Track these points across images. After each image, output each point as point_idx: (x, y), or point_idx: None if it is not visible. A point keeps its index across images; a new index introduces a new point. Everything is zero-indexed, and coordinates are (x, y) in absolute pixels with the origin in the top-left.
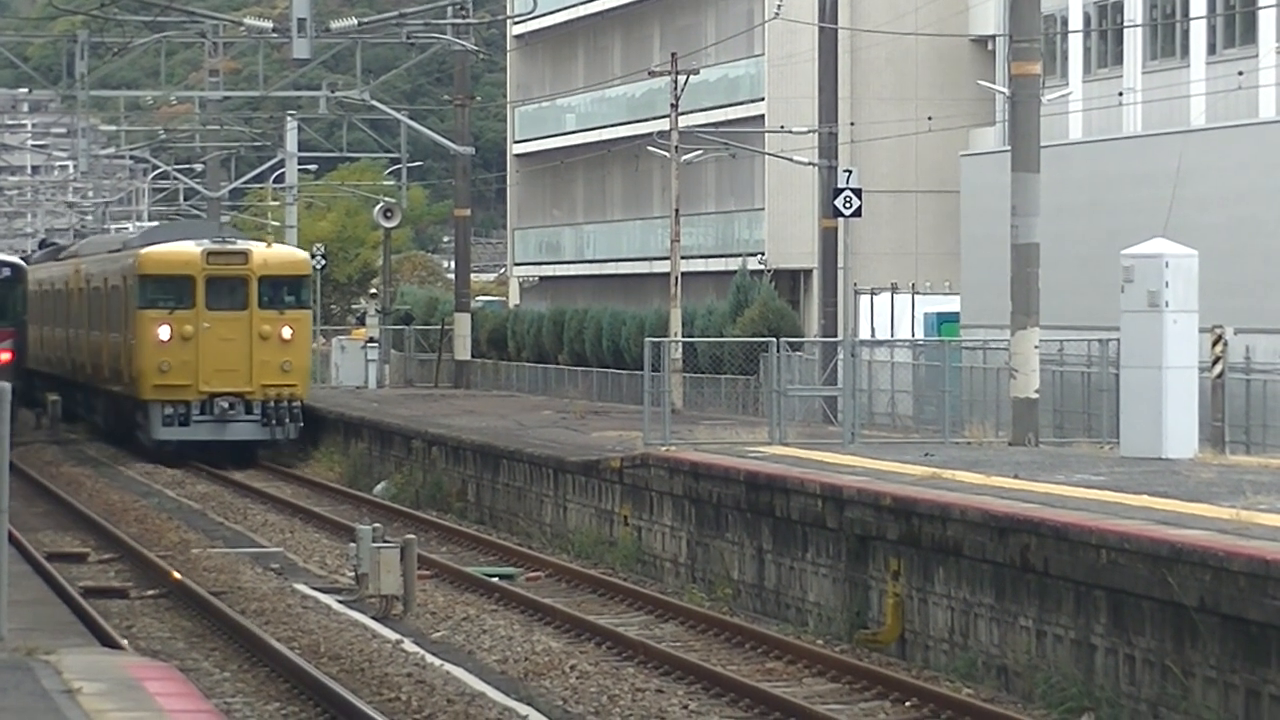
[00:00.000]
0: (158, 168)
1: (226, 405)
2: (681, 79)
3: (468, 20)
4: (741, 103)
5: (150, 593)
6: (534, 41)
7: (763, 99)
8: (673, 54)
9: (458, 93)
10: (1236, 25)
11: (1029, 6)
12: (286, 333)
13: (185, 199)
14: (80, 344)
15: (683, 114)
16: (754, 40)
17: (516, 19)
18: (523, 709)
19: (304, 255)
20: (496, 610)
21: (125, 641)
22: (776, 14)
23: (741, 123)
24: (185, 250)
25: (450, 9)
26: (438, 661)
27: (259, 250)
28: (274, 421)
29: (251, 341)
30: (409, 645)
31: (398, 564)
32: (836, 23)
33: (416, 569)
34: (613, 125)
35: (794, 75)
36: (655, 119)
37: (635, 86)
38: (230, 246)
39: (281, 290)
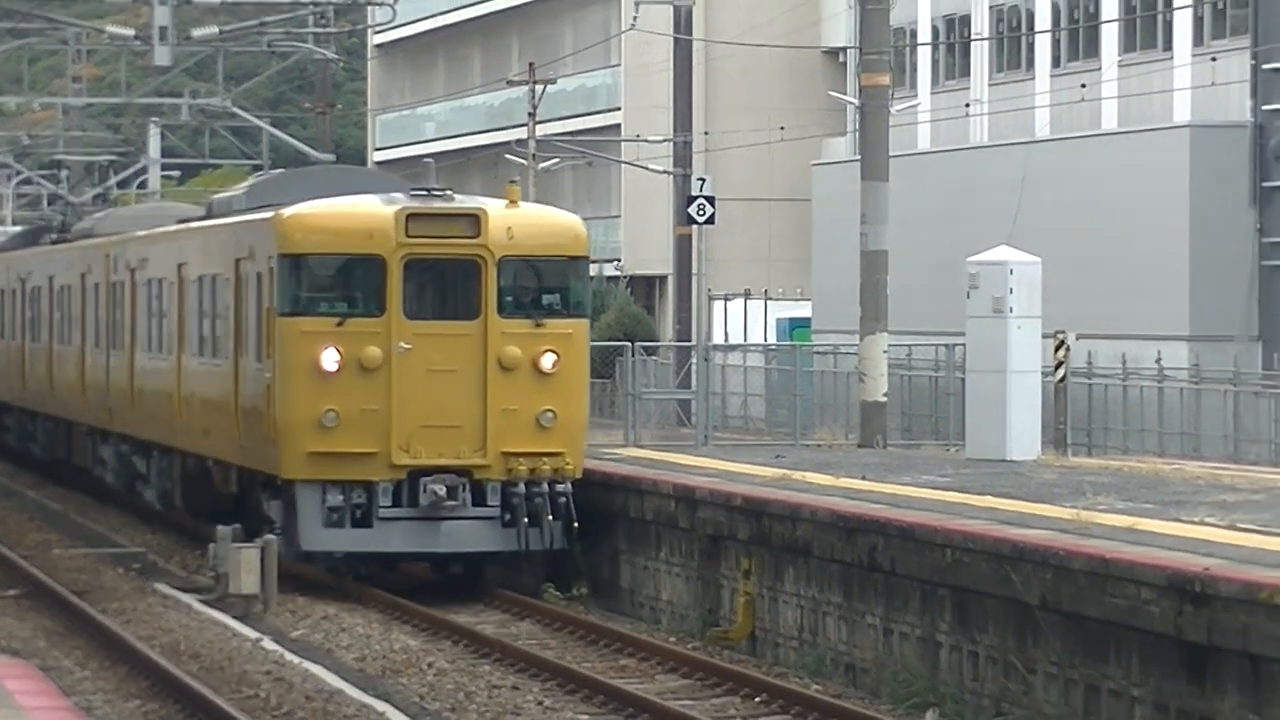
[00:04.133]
0: (20, 173)
1: (441, 491)
2: (539, 88)
3: (328, 29)
4: (598, 112)
5: (11, 593)
6: (394, 51)
7: (619, 108)
8: (530, 64)
9: (319, 100)
10: (1080, 39)
11: (878, 20)
12: (548, 361)
13: (49, 204)
14: (106, 373)
15: (540, 123)
16: (610, 51)
17: (377, 28)
18: (380, 705)
19: (575, 222)
20: (355, 609)
21: None
22: (632, 25)
23: (598, 131)
24: (369, 210)
25: (311, 18)
26: (296, 659)
27: (499, 211)
28: (524, 519)
29: (486, 376)
30: (268, 643)
31: (258, 564)
32: (691, 34)
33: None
34: (472, 134)
35: (650, 85)
36: (513, 127)
37: (494, 96)
38: (449, 205)
39: (540, 283)
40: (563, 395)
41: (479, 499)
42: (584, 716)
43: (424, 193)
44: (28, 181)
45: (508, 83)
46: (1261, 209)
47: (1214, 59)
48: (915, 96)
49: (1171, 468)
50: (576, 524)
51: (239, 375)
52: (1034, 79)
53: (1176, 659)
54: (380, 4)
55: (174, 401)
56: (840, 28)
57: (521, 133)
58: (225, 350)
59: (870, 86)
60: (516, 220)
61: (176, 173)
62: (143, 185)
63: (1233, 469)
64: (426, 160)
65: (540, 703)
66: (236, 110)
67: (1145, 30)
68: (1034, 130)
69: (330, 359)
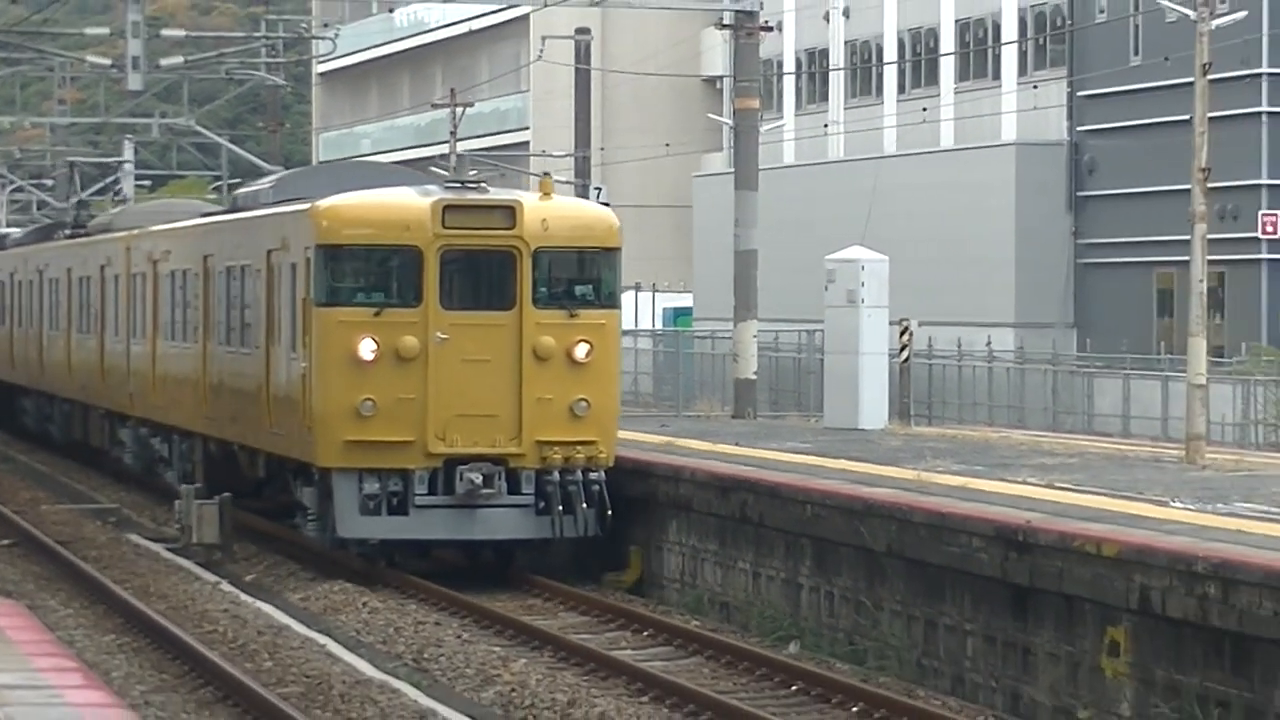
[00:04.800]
0: (14, 182)
1: (477, 479)
2: (459, 111)
3: (278, 60)
4: (510, 131)
5: (4, 543)
6: (335, 78)
7: (528, 128)
8: (452, 90)
9: (270, 120)
10: (922, 69)
11: (749, 53)
12: (581, 350)
13: (38, 209)
14: (126, 359)
15: (460, 140)
16: (520, 78)
17: (320, 59)
18: (321, 639)
19: (608, 214)
20: (302, 558)
21: None
22: (539, 56)
23: (510, 148)
24: (405, 201)
25: (263, 50)
26: (250, 599)
27: (533, 204)
28: (558, 506)
29: (521, 366)
30: (226, 586)
31: (217, 517)
32: (589, 64)
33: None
34: (401, 149)
35: (554, 108)
36: (437, 144)
37: (420, 117)
38: (484, 197)
39: (574, 274)
40: (596, 384)
41: (514, 487)
42: (496, 647)
43: (458, 185)
44: (19, 190)
45: (432, 106)
46: (1076, 215)
47: (1036, 86)
48: (781, 118)
49: (999, 435)
50: (610, 512)
51: (270, 364)
52: (883, 103)
53: (1002, 598)
54: (322, 38)
55: (199, 388)
56: (717, 59)
57: (444, 149)
58: (256, 339)
59: (742, 110)
60: (551, 212)
61: (148, 182)
62: (119, 193)
63: (1051, 437)
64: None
65: (459, 636)
66: (199, 129)
67: (977, 62)
68: (883, 147)
69: (367, 349)
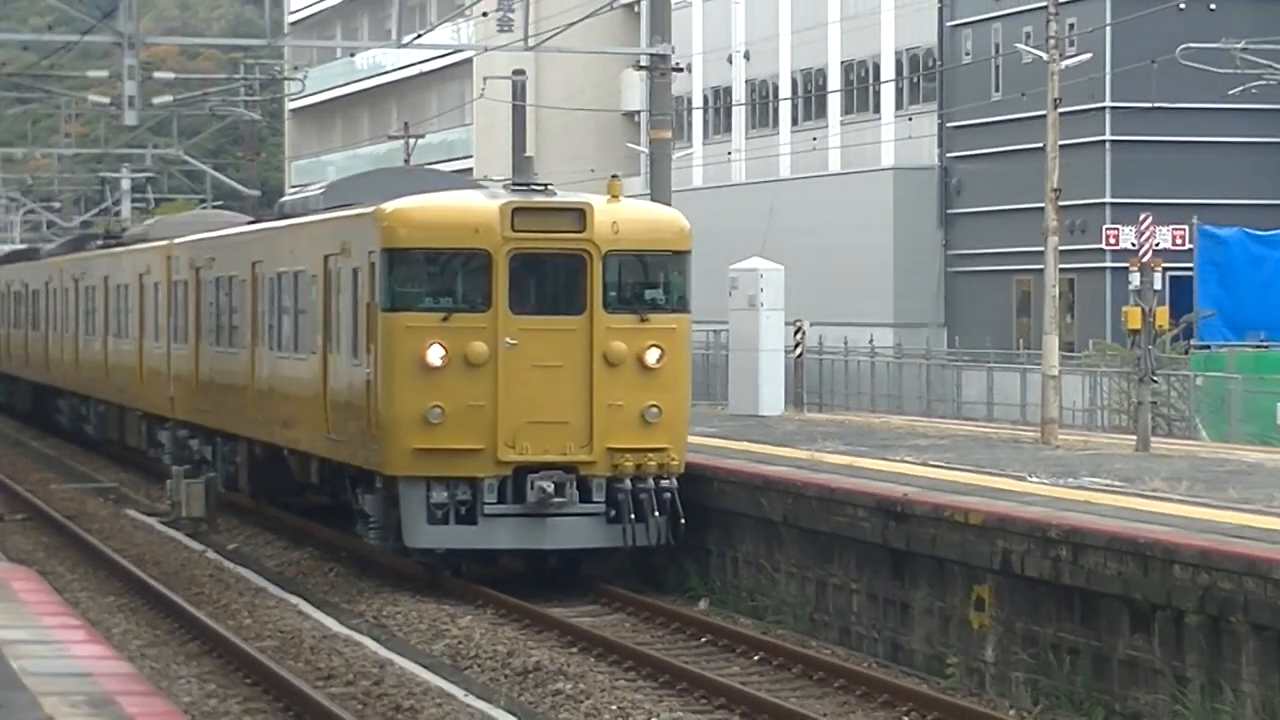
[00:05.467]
0: (26, 205)
1: (549, 488)
2: (412, 142)
3: (255, 98)
4: (457, 159)
5: (19, 517)
6: (304, 114)
7: (471, 156)
8: (405, 123)
9: (248, 151)
10: (812, 104)
11: (663, 90)
12: (652, 355)
13: (47, 227)
14: (166, 363)
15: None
16: (465, 113)
17: (291, 97)
18: (294, 599)
19: (678, 217)
20: (278, 528)
21: None
22: (481, 94)
23: (456, 175)
24: (474, 204)
25: (242, 89)
26: (232, 565)
27: (603, 207)
28: (629, 515)
29: (592, 371)
30: (211, 554)
31: (203, 494)
32: (525, 101)
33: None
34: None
35: (494, 139)
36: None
37: (379, 147)
38: (554, 200)
39: (645, 277)
40: (667, 390)
41: (584, 495)
42: (446, 606)
43: (525, 188)
44: (31, 211)
45: (389, 137)
46: (945, 230)
47: (910, 119)
48: (691, 147)
49: (880, 421)
50: (684, 520)
51: (328, 369)
52: (778, 134)
53: (883, 561)
54: (293, 79)
55: (246, 393)
56: (635, 96)
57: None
58: (311, 345)
59: (657, 140)
60: (620, 215)
61: (144, 204)
62: (117, 214)
63: (925, 421)
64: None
65: (413, 596)
66: (187, 158)
67: (860, 98)
68: (779, 172)
69: (436, 354)
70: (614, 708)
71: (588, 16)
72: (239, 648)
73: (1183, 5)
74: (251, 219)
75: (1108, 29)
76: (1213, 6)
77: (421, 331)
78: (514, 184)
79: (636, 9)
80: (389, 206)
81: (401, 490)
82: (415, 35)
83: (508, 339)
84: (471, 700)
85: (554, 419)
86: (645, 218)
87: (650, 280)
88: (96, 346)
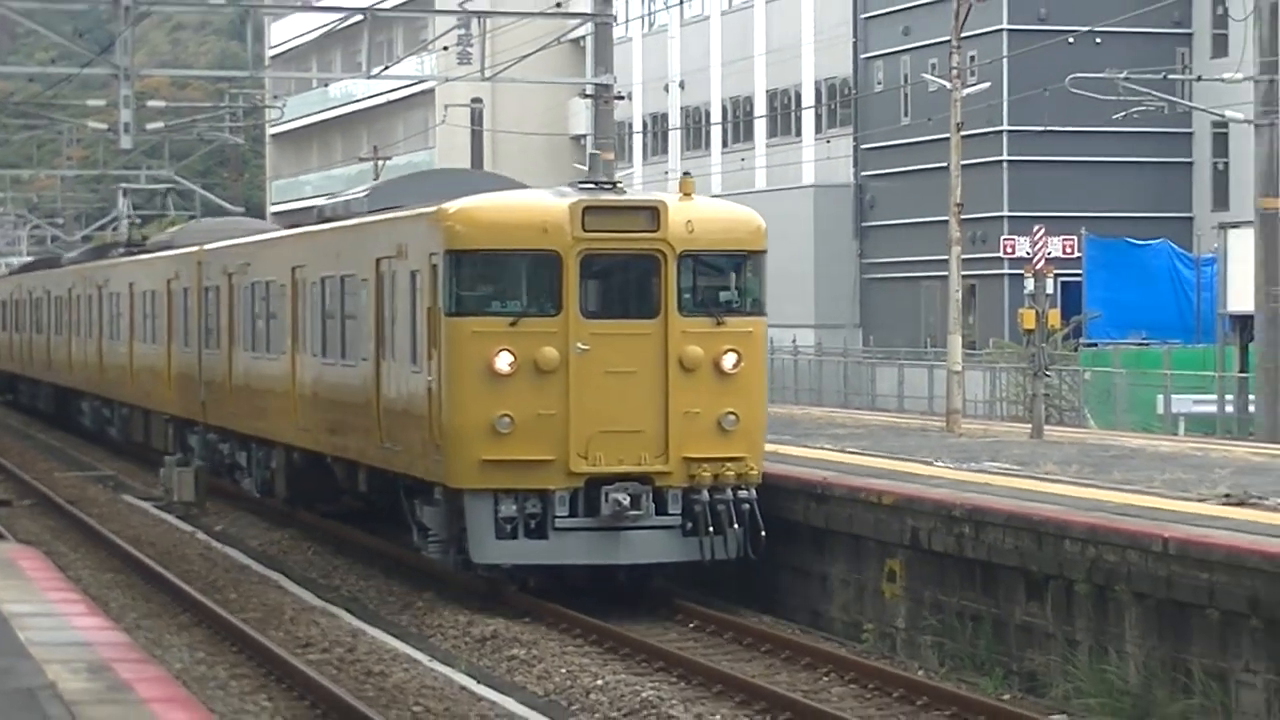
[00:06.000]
0: (32, 221)
1: (624, 500)
2: (381, 163)
3: (239, 124)
4: None
5: (26, 502)
6: (284, 138)
7: None
8: (375, 147)
9: (233, 172)
10: (740, 129)
11: (606, 116)
12: (729, 360)
13: (51, 241)
14: (198, 369)
15: None
16: (429, 137)
17: (272, 123)
18: (275, 575)
19: (753, 215)
20: (259, 513)
21: (7, 534)
22: (443, 120)
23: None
24: (542, 203)
25: (227, 116)
26: (219, 545)
27: (677, 205)
28: (706, 527)
29: (667, 377)
30: (200, 535)
31: (193, 480)
32: (482, 126)
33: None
34: (336, 195)
35: (455, 161)
36: (365, 189)
37: (351, 168)
38: (626, 198)
39: (721, 278)
40: (744, 397)
41: (660, 507)
42: (410, 582)
43: (593, 186)
44: (37, 227)
45: (360, 159)
46: (860, 241)
47: (829, 141)
48: (631, 167)
49: (803, 412)
50: (764, 532)
51: (381, 376)
52: (710, 155)
53: (806, 539)
54: (273, 107)
55: (287, 399)
56: (581, 121)
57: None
58: (362, 351)
59: (601, 161)
60: (695, 213)
61: (139, 221)
62: (115, 230)
63: (843, 413)
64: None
65: (384, 574)
66: (177, 178)
67: (783, 122)
68: (711, 190)
69: (504, 361)
70: (563, 671)
71: (539, 50)
72: (225, 619)
73: (1071, 40)
74: (289, 225)
75: (1004, 60)
76: (1098, 40)
77: (489, 337)
78: (580, 183)
79: (582, 43)
80: (452, 206)
81: (467, 503)
82: (383, 67)
83: (579, 344)
84: (435, 665)
85: (628, 428)
86: (720, 216)
87: (726, 281)
88: (122, 351)
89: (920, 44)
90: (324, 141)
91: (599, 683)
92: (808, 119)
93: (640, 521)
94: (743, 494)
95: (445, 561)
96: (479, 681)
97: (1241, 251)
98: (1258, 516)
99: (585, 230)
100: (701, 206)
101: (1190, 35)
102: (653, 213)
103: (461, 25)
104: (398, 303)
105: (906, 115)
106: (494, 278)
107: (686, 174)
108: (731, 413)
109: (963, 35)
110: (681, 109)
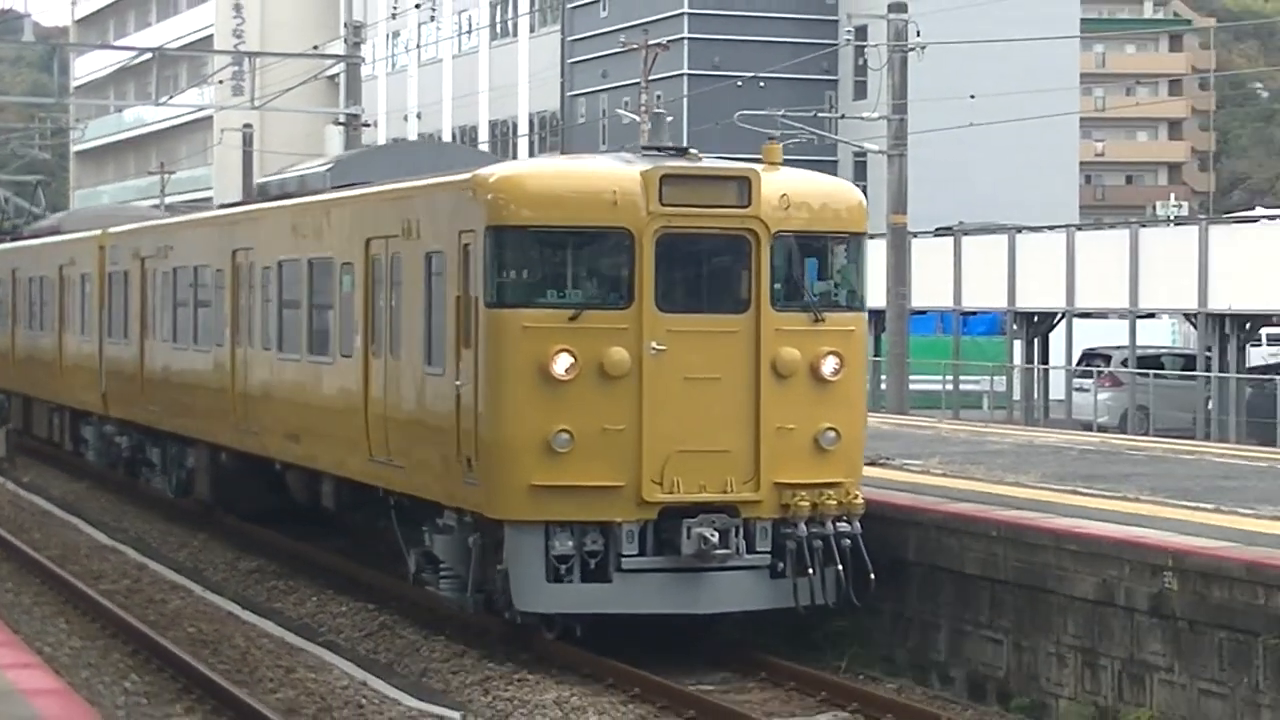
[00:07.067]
0: None
1: (711, 536)
2: (168, 176)
3: (48, 142)
4: (200, 189)
5: None
6: (85, 155)
7: (211, 189)
8: (162, 163)
9: (40, 182)
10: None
11: (355, 141)
12: (829, 366)
13: None
14: (97, 360)
15: (168, 196)
16: (207, 156)
17: (75, 142)
18: (74, 519)
19: (853, 189)
20: (61, 466)
21: None
22: (219, 142)
23: (199, 203)
24: (609, 171)
25: (37, 135)
26: (27, 494)
27: (768, 177)
28: (802, 565)
29: (758, 385)
30: (10, 486)
31: (4, 438)
32: (252, 147)
33: (15, 444)
34: (130, 202)
35: (229, 176)
36: (153, 198)
37: (142, 180)
38: (711, 166)
39: (819, 266)
40: (844, 409)
41: (749, 544)
42: (189, 526)
43: (658, 151)
44: None
45: (149, 173)
46: None
47: None
48: None
49: None
50: (873, 575)
51: (371, 377)
52: None
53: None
54: (75, 129)
55: (223, 397)
56: (336, 145)
57: (156, 200)
58: (344, 347)
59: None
60: (789, 185)
61: None
62: None
63: None
64: (169, 206)
65: (163, 514)
66: None
67: (503, 148)
68: None
69: (562, 364)
70: (314, 600)
71: (300, 84)
72: (30, 556)
73: (740, 83)
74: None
75: (685, 99)
76: (762, 85)
77: (543, 334)
78: (646, 148)
79: (336, 80)
80: (493, 173)
81: (511, 537)
82: (169, 96)
83: (654, 344)
84: (207, 594)
85: (712, 447)
86: (817, 189)
87: (826, 269)
88: (2, 339)
89: (616, 85)
90: (119, 158)
91: None
92: (523, 145)
93: (728, 562)
94: (844, 526)
95: (462, 602)
96: (244, 608)
97: (874, 259)
98: (887, 475)
99: (663, 205)
100: (794, 178)
101: (836, 81)
102: (744, 184)
103: (235, 63)
104: (404, 291)
105: (604, 143)
106: (549, 261)
107: (772, 139)
108: (831, 428)
109: (650, 78)
110: (419, 135)
